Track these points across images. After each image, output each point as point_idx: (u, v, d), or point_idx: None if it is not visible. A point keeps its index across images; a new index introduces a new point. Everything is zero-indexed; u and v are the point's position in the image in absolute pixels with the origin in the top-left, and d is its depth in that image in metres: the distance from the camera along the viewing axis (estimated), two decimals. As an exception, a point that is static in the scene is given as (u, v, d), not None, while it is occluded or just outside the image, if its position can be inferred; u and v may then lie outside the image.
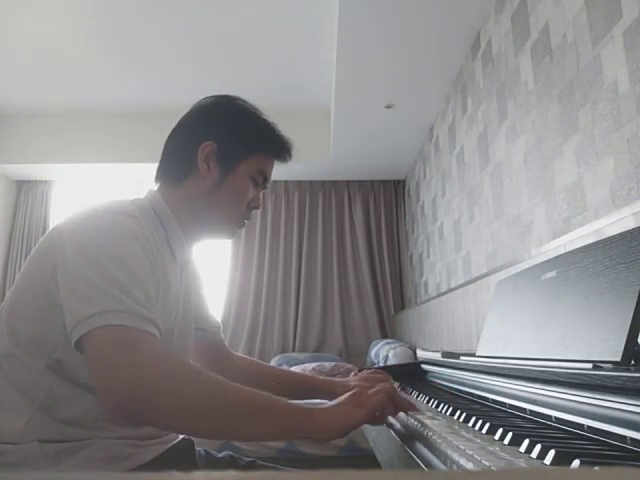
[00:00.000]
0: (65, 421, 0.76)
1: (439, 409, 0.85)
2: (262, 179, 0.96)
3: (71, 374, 0.77)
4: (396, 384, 1.20)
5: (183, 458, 0.93)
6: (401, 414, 0.83)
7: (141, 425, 0.82)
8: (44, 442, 0.74)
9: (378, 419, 0.75)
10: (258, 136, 0.94)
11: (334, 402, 0.74)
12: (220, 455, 1.03)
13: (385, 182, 4.59)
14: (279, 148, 0.97)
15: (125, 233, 0.76)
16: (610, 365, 0.60)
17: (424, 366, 1.38)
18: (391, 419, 0.86)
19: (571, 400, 0.60)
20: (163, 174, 0.94)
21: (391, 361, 3.10)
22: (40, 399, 0.76)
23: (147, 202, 0.89)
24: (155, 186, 0.95)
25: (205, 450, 1.03)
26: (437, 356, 1.26)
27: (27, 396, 0.76)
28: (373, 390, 0.76)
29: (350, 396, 0.74)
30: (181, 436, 0.97)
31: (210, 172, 0.90)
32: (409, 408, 0.80)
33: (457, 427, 0.67)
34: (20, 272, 0.83)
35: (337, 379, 1.10)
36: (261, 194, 0.99)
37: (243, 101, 0.97)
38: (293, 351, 4.18)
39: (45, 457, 0.74)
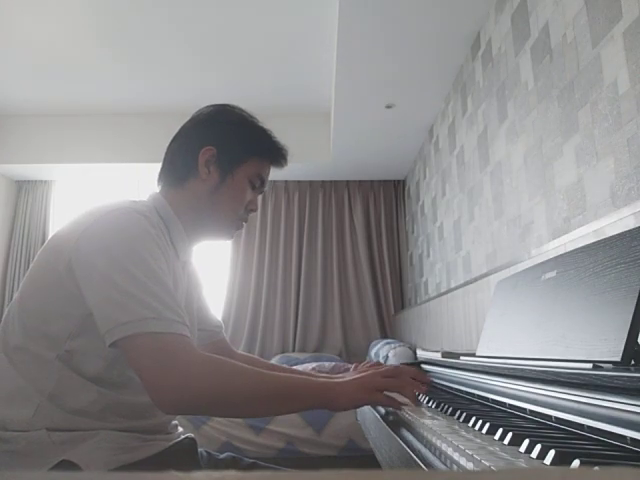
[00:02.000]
0: (72, 411, 0.78)
1: (439, 409, 0.85)
2: (259, 183, 1.00)
3: (79, 366, 0.80)
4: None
5: (186, 455, 0.95)
6: (400, 415, 0.83)
7: (193, 414, 0.93)
8: (52, 430, 0.76)
9: (390, 403, 0.85)
10: (255, 142, 0.99)
11: (350, 378, 0.85)
12: (222, 456, 1.04)
13: (385, 182, 4.59)
14: (275, 154, 1.01)
15: (140, 231, 0.80)
16: (610, 365, 0.60)
17: (424, 366, 1.38)
18: (391, 418, 0.86)
19: (571, 400, 0.60)
20: (165, 177, 0.98)
21: (391, 361, 3.09)
22: (49, 389, 0.78)
23: (150, 203, 0.92)
24: (157, 189, 0.99)
25: (207, 451, 1.04)
26: (437, 356, 1.26)
27: (36, 386, 0.78)
28: (384, 378, 0.85)
29: (361, 377, 0.84)
30: (184, 435, 0.97)
31: (210, 175, 0.95)
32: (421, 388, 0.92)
33: (457, 427, 0.67)
34: (28, 274, 0.85)
35: (336, 377, 1.11)
36: (259, 197, 1.03)
37: (241, 109, 1.02)
38: (293, 351, 4.18)
39: (52, 445, 0.76)
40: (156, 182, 1.00)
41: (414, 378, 0.94)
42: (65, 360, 0.79)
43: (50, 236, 0.86)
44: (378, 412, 0.95)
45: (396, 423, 0.82)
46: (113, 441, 0.80)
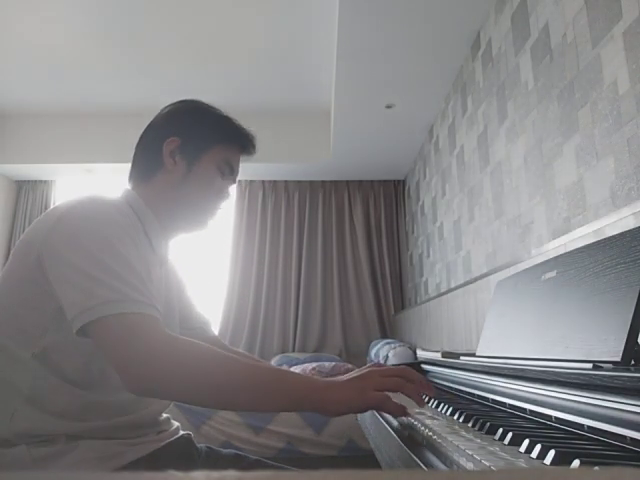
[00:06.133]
0: (52, 413, 0.77)
1: (439, 409, 0.85)
2: (228, 169, 1.00)
3: (56, 365, 0.79)
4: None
5: (179, 455, 0.93)
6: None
7: (158, 397, 0.82)
8: (31, 438, 0.75)
9: (389, 413, 0.74)
10: (220, 127, 0.99)
11: (344, 378, 0.74)
12: (225, 452, 1.03)
13: (385, 182, 4.59)
14: (242, 138, 1.01)
15: (109, 221, 0.80)
16: (610, 365, 0.60)
17: (424, 366, 1.38)
18: (391, 419, 0.85)
19: (571, 400, 0.60)
20: (135, 173, 0.99)
21: (391, 361, 3.10)
22: (25, 391, 0.77)
23: (123, 199, 0.92)
24: (129, 186, 0.99)
25: (208, 446, 1.03)
26: (437, 356, 1.26)
27: (12, 388, 0.77)
28: (383, 378, 0.74)
29: (356, 378, 0.74)
30: (175, 436, 0.96)
31: (176, 166, 0.95)
32: (424, 393, 0.78)
33: (457, 427, 0.67)
34: (4, 269, 0.84)
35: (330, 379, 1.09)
36: (232, 187, 1.03)
37: (205, 102, 1.02)
38: (293, 351, 4.18)
39: (33, 461, 0.74)
40: (127, 180, 1.00)
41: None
42: (41, 359, 0.78)
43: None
44: (381, 415, 0.95)
45: (395, 423, 0.82)
46: (95, 450, 0.78)
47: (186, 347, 0.73)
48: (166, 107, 1.01)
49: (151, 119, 1.02)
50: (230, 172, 1.00)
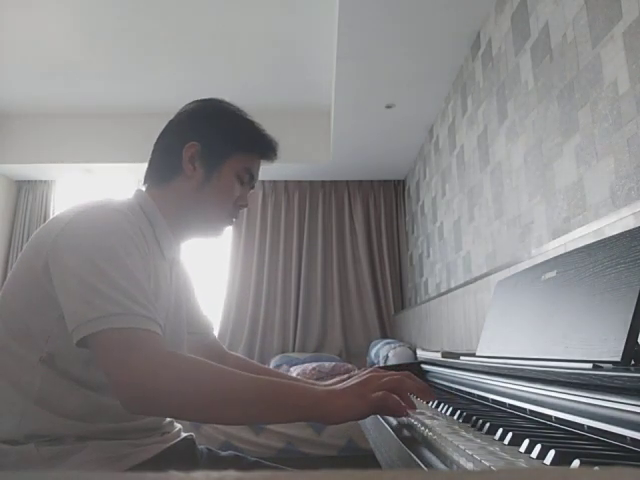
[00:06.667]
0: (60, 414, 0.77)
1: (439, 409, 0.85)
2: (248, 177, 0.97)
3: (64, 368, 0.78)
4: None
5: (182, 458, 0.93)
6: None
7: (154, 416, 0.83)
8: (40, 438, 0.75)
9: (391, 411, 0.72)
10: (241, 135, 0.96)
11: (342, 386, 0.74)
12: (224, 454, 1.03)
13: (385, 182, 4.59)
14: (264, 146, 0.98)
15: (116, 229, 0.78)
16: (610, 365, 0.60)
17: (424, 366, 1.38)
18: (391, 418, 0.85)
19: (571, 400, 0.60)
20: (150, 175, 0.96)
21: (391, 361, 3.10)
22: (33, 393, 0.77)
23: (135, 201, 0.91)
24: (143, 188, 0.97)
25: (208, 448, 1.03)
26: (437, 356, 1.26)
27: (21, 390, 0.77)
28: (382, 380, 0.74)
29: (356, 384, 0.73)
30: (178, 438, 0.96)
31: (195, 172, 0.93)
32: (423, 396, 0.78)
33: (457, 427, 0.67)
34: (11, 272, 0.84)
35: (325, 384, 1.08)
36: (249, 193, 1.01)
37: (227, 103, 0.99)
38: (293, 351, 4.18)
39: (41, 460, 0.74)
40: (143, 182, 0.97)
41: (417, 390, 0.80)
42: (48, 363, 0.78)
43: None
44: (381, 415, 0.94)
45: (395, 423, 0.82)
46: (103, 451, 0.78)
47: (185, 367, 0.71)
48: (188, 105, 0.98)
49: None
50: (250, 179, 0.98)
